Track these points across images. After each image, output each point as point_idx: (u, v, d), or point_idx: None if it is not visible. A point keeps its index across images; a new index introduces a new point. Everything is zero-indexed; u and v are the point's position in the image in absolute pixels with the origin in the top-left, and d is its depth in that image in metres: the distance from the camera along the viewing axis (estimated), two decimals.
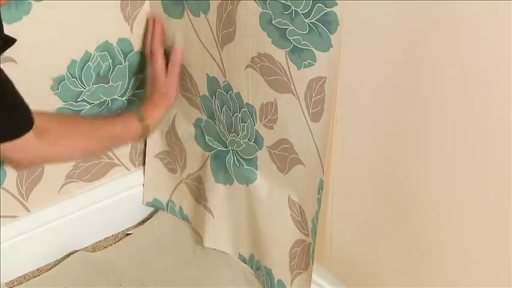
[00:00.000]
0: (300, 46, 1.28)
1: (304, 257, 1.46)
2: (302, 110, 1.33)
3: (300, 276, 1.48)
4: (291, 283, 1.50)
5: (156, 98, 1.51)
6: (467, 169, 1.15)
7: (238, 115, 1.48)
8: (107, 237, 1.73)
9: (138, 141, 1.66)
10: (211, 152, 1.60)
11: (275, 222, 1.50)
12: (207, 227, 1.65)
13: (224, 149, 1.56)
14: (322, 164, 1.34)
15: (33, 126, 1.21)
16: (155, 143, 1.71)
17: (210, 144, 1.59)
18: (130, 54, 1.60)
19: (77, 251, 1.68)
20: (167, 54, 1.54)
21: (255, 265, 1.59)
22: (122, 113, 1.58)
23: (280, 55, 1.33)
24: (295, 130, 1.37)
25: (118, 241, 1.72)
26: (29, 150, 1.24)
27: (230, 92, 1.48)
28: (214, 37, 1.45)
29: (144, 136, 1.51)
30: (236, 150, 1.53)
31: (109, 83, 1.59)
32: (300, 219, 1.45)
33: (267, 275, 1.55)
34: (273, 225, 1.50)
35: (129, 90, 1.63)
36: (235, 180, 1.56)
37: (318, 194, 1.37)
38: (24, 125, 1.21)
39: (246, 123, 1.47)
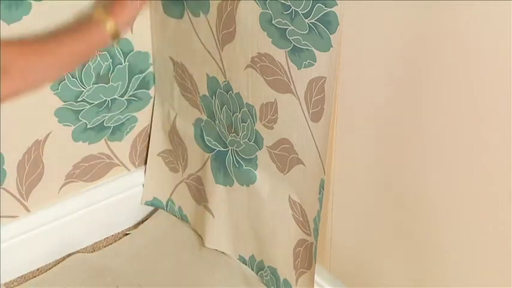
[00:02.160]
0: (300, 46, 1.28)
1: (307, 257, 1.46)
2: (302, 110, 1.34)
3: (304, 275, 1.48)
4: (296, 282, 1.50)
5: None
6: (468, 169, 1.15)
7: (238, 115, 1.48)
8: (106, 237, 1.74)
9: (111, 45, 1.42)
10: (212, 153, 1.60)
11: (277, 223, 1.50)
12: (207, 227, 1.65)
13: (224, 149, 1.56)
14: (323, 164, 1.35)
15: None
16: (158, 142, 1.71)
17: (209, 144, 1.59)
18: (130, 54, 1.60)
19: (77, 251, 1.68)
20: None
21: (257, 266, 1.59)
22: (83, 24, 1.30)
23: (280, 55, 1.33)
24: (295, 130, 1.37)
25: (117, 241, 1.72)
26: None
27: (230, 92, 1.48)
28: (214, 37, 1.45)
29: (115, 39, 1.28)
30: (236, 150, 1.53)
31: (109, 83, 1.59)
32: (301, 219, 1.45)
33: (271, 274, 1.55)
34: (275, 226, 1.50)
35: (129, 90, 1.63)
36: (235, 182, 1.56)
37: (319, 193, 1.37)
38: None
39: (246, 123, 1.47)
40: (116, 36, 1.28)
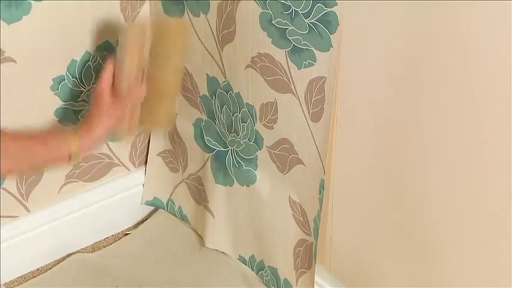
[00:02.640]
0: (300, 46, 1.28)
1: (307, 257, 1.46)
2: (302, 110, 1.33)
3: (304, 276, 1.48)
4: (297, 282, 1.50)
5: (92, 119, 1.38)
6: (468, 169, 1.15)
7: (238, 115, 1.48)
8: (106, 237, 1.74)
9: (68, 165, 1.44)
10: (212, 153, 1.60)
11: (277, 223, 1.50)
12: (207, 227, 1.65)
13: (224, 149, 1.56)
14: (323, 164, 1.35)
15: None
16: (159, 142, 1.71)
17: (209, 144, 1.59)
18: None
19: (77, 251, 1.68)
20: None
21: (257, 266, 1.59)
22: (54, 133, 1.44)
23: (280, 55, 1.33)
24: (295, 130, 1.37)
25: (117, 241, 1.72)
26: None
27: (230, 92, 1.48)
28: (214, 37, 1.45)
29: (70, 162, 1.37)
30: (236, 150, 1.53)
31: None
32: (301, 219, 1.45)
33: (272, 274, 1.55)
34: (275, 226, 1.50)
35: None
36: (235, 182, 1.56)
37: (320, 193, 1.37)
38: None
39: (246, 123, 1.47)
40: (72, 159, 1.36)
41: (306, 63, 1.28)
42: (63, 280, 1.61)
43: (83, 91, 1.56)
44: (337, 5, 1.19)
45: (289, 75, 1.33)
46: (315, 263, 1.44)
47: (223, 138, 1.55)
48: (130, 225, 1.77)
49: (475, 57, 1.06)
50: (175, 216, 1.75)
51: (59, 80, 1.52)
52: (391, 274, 1.37)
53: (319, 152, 1.35)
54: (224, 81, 1.48)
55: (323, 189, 1.36)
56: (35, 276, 1.63)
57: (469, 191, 1.16)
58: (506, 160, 1.08)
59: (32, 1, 1.40)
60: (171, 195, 1.74)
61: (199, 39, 1.49)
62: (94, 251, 1.70)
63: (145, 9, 1.58)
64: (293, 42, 1.29)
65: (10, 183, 1.55)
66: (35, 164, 1.36)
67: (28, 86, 1.49)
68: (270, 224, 1.52)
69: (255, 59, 1.38)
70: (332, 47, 1.23)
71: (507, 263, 1.14)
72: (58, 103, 1.54)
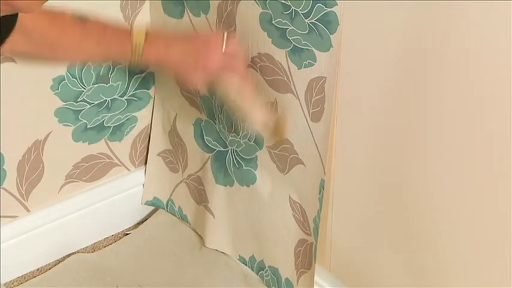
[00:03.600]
0: (300, 46, 1.28)
1: (307, 257, 1.46)
2: (302, 110, 1.33)
3: (304, 275, 1.48)
4: (297, 282, 1.50)
5: (189, 51, 1.26)
6: (468, 170, 1.15)
7: (238, 115, 1.48)
8: (106, 237, 1.74)
9: (128, 62, 1.38)
10: (212, 153, 1.59)
11: (278, 223, 1.50)
12: (207, 227, 1.65)
13: (224, 149, 1.56)
14: (323, 164, 1.35)
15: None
16: (158, 142, 1.71)
17: (209, 144, 1.59)
18: None
19: (77, 251, 1.68)
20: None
21: (257, 266, 1.59)
22: (123, 29, 1.32)
23: (280, 55, 1.33)
24: (296, 130, 1.37)
25: (117, 241, 1.72)
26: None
27: None
28: None
29: (131, 61, 1.30)
30: (236, 151, 1.53)
31: (109, 83, 1.59)
32: (302, 219, 1.45)
33: (273, 274, 1.55)
34: (276, 226, 1.50)
35: (129, 90, 1.63)
36: (235, 182, 1.56)
37: (319, 193, 1.37)
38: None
39: (246, 123, 1.47)
40: (134, 54, 1.28)
41: (306, 63, 1.28)
42: (63, 280, 1.61)
43: (83, 91, 1.56)
44: (337, 5, 1.19)
45: (289, 75, 1.33)
46: (315, 263, 1.44)
47: (223, 138, 1.55)
48: (130, 225, 1.77)
49: (475, 57, 1.06)
50: (175, 216, 1.75)
51: (59, 80, 1.52)
52: (391, 274, 1.37)
53: (319, 152, 1.35)
54: None
55: (323, 189, 1.36)
56: (35, 276, 1.63)
57: (469, 191, 1.16)
58: (506, 160, 1.08)
59: None
60: (171, 195, 1.74)
61: None
62: (94, 251, 1.70)
63: (146, 9, 1.58)
64: (293, 42, 1.29)
65: (10, 183, 1.56)
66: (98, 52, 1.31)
67: (28, 86, 1.49)
68: (271, 224, 1.52)
69: (255, 59, 1.38)
70: (332, 47, 1.23)
71: (507, 263, 1.14)
72: (58, 103, 1.54)
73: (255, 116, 1.30)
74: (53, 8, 1.26)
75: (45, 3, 0.95)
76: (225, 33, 1.28)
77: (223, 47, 1.27)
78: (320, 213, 1.38)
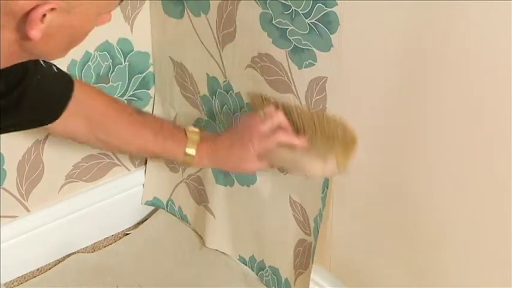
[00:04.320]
0: (301, 46, 1.28)
1: (305, 257, 1.46)
2: None
3: (301, 276, 1.48)
4: (295, 282, 1.50)
5: (234, 143, 1.32)
6: (468, 170, 1.15)
7: (238, 115, 1.48)
8: (106, 237, 1.74)
9: (179, 163, 1.44)
10: None
11: (278, 223, 1.50)
12: (207, 227, 1.65)
13: None
14: None
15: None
16: None
17: None
18: (131, 54, 1.60)
19: (77, 251, 1.68)
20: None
21: (257, 266, 1.59)
22: (179, 130, 1.37)
23: (280, 55, 1.33)
24: None
25: (117, 241, 1.72)
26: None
27: (230, 92, 1.48)
28: (214, 37, 1.45)
29: (183, 162, 1.36)
30: None
31: (109, 83, 1.59)
32: (301, 219, 1.45)
33: (273, 274, 1.55)
34: (276, 226, 1.50)
35: (129, 90, 1.63)
36: (235, 182, 1.56)
37: (323, 192, 1.37)
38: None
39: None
40: (186, 164, 1.35)
41: (307, 63, 1.28)
42: (63, 280, 1.61)
43: None
44: (337, 5, 1.19)
45: (289, 75, 1.33)
46: (312, 263, 1.44)
47: None
48: (130, 225, 1.77)
49: (475, 57, 1.06)
50: (175, 216, 1.75)
51: None
52: (391, 274, 1.37)
53: None
54: (224, 81, 1.48)
55: (327, 188, 1.36)
56: (35, 276, 1.63)
57: (469, 191, 1.16)
58: (506, 161, 1.08)
59: None
60: (171, 195, 1.74)
61: (200, 39, 1.49)
62: (94, 251, 1.70)
63: (146, 9, 1.58)
64: (293, 42, 1.29)
65: (10, 183, 1.56)
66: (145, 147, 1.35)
67: None
68: (271, 224, 1.52)
69: (256, 59, 1.38)
70: (333, 47, 1.23)
71: (507, 263, 1.14)
72: None
73: (315, 170, 1.29)
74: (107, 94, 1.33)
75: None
76: (262, 112, 1.32)
77: (263, 125, 1.30)
78: (322, 212, 1.38)
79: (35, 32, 0.90)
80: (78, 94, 1.26)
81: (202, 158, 1.34)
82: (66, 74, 1.26)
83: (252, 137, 1.29)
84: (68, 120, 1.26)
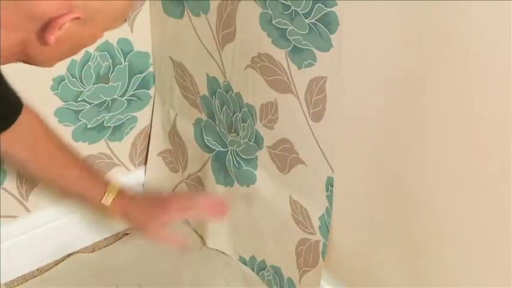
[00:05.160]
0: (300, 46, 1.28)
1: (311, 255, 1.45)
2: (302, 109, 1.33)
3: (308, 274, 1.48)
4: (300, 281, 1.50)
5: (149, 202, 1.38)
6: (468, 170, 1.15)
7: (238, 115, 1.48)
8: (106, 237, 1.73)
9: (92, 207, 1.45)
10: (212, 154, 1.59)
11: (278, 222, 1.50)
12: (208, 227, 1.65)
13: (224, 149, 1.56)
14: (328, 162, 1.34)
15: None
16: (158, 142, 1.71)
17: (209, 145, 1.59)
18: (130, 54, 1.60)
19: (77, 251, 1.68)
20: None
21: (257, 266, 1.59)
22: (102, 175, 1.42)
23: (280, 55, 1.33)
24: (296, 130, 1.37)
25: (117, 241, 1.72)
26: None
27: (230, 92, 1.48)
28: (214, 37, 1.45)
29: (97, 207, 1.39)
30: (236, 151, 1.53)
31: (109, 83, 1.59)
32: (301, 219, 1.44)
33: (275, 273, 1.55)
34: (276, 225, 1.50)
35: (129, 90, 1.63)
36: (235, 182, 1.56)
37: (327, 191, 1.37)
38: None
39: (246, 123, 1.47)
40: (101, 209, 1.37)
41: (306, 63, 1.28)
42: (63, 280, 1.61)
43: (83, 91, 1.56)
44: (337, 5, 1.19)
45: (289, 75, 1.33)
46: (324, 260, 1.43)
47: (223, 138, 1.55)
48: (130, 225, 1.76)
49: (476, 56, 1.06)
50: None
51: (59, 80, 1.52)
52: (391, 274, 1.37)
53: (322, 151, 1.34)
54: (224, 81, 1.48)
55: (331, 186, 1.36)
56: (35, 276, 1.63)
57: (469, 191, 1.16)
58: (506, 161, 1.08)
59: None
60: None
61: (199, 39, 1.49)
62: (94, 251, 1.70)
63: (146, 9, 1.58)
64: (293, 42, 1.29)
65: (10, 183, 1.56)
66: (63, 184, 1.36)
67: (28, 86, 1.48)
68: (271, 224, 1.52)
69: (255, 59, 1.38)
70: (332, 47, 1.23)
71: (507, 263, 1.14)
72: (58, 103, 1.54)
73: None
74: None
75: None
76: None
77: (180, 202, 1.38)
78: (330, 210, 1.38)
79: (53, 38, 0.91)
80: (24, 114, 1.26)
81: (114, 211, 1.37)
82: (16, 92, 1.25)
83: (167, 208, 1.36)
84: (6, 136, 1.24)
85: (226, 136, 1.54)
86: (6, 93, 1.20)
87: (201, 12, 1.45)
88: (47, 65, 1.03)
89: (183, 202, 1.39)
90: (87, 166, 1.39)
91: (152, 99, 1.68)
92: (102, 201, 1.35)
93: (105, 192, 1.35)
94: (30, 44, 0.94)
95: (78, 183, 1.36)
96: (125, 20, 1.05)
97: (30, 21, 0.91)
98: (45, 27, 0.91)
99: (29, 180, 1.58)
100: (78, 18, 0.91)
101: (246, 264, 1.62)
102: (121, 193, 1.37)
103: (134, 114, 1.67)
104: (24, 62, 1.02)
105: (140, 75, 1.63)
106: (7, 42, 0.93)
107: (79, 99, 1.56)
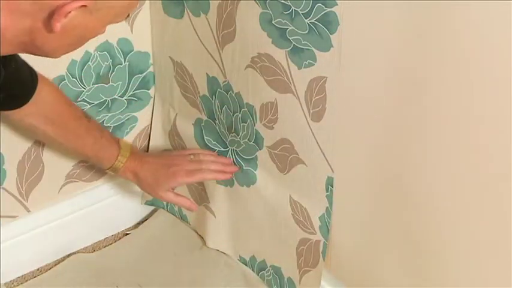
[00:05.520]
0: (300, 46, 1.28)
1: (312, 255, 1.45)
2: (302, 109, 1.33)
3: (308, 274, 1.48)
4: (300, 281, 1.50)
5: (158, 170, 1.50)
6: (468, 169, 1.15)
7: (238, 115, 1.48)
8: (106, 237, 1.74)
9: (106, 169, 1.53)
10: None
11: (278, 222, 1.50)
12: (208, 227, 1.65)
13: (224, 149, 1.56)
14: (328, 162, 1.34)
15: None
16: (158, 142, 1.71)
17: (209, 145, 1.59)
18: (130, 54, 1.60)
19: (77, 251, 1.68)
20: None
21: (258, 266, 1.59)
22: (114, 141, 1.51)
23: (280, 55, 1.33)
24: (296, 130, 1.37)
25: (117, 241, 1.72)
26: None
27: (230, 92, 1.48)
28: (214, 37, 1.45)
29: (110, 169, 1.50)
30: (236, 151, 1.53)
31: (109, 83, 1.59)
32: (301, 219, 1.44)
33: (275, 273, 1.55)
34: (276, 225, 1.50)
35: (129, 90, 1.63)
36: (235, 182, 1.56)
37: (328, 191, 1.37)
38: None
39: (246, 123, 1.47)
40: (113, 170, 1.50)
41: (306, 63, 1.28)
42: (63, 280, 1.61)
43: (83, 91, 1.56)
44: (337, 5, 1.19)
45: (289, 75, 1.33)
46: (324, 260, 1.43)
47: (223, 138, 1.55)
48: (130, 225, 1.77)
49: (476, 56, 1.06)
50: (176, 216, 1.74)
51: (59, 80, 1.52)
52: (391, 274, 1.37)
53: (322, 151, 1.34)
54: (224, 81, 1.48)
55: (331, 186, 1.36)
56: (35, 276, 1.63)
57: (470, 191, 1.16)
58: (506, 160, 1.08)
59: None
60: None
61: (199, 39, 1.49)
62: (94, 251, 1.70)
63: (146, 9, 1.58)
64: (293, 42, 1.29)
65: (10, 183, 1.56)
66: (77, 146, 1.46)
67: None
68: (271, 223, 1.52)
69: (255, 59, 1.38)
70: (332, 47, 1.23)
71: (507, 263, 1.14)
72: None
73: None
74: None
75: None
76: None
77: (190, 165, 1.51)
78: (330, 210, 1.38)
79: (59, 25, 0.93)
80: (40, 88, 1.34)
81: (126, 172, 1.50)
82: (31, 67, 1.32)
83: (176, 173, 1.48)
84: (27, 110, 1.33)
85: (226, 136, 1.54)
86: (21, 69, 1.27)
87: (201, 12, 1.45)
88: (53, 55, 1.04)
89: (191, 165, 1.49)
90: (101, 130, 1.49)
91: (152, 99, 1.68)
92: (115, 163, 1.47)
93: (118, 155, 1.47)
94: (37, 33, 0.96)
95: (94, 148, 1.46)
96: (128, 16, 1.06)
97: (38, 8, 0.93)
98: (52, 14, 0.92)
99: (29, 180, 1.58)
100: (84, 6, 0.92)
101: (246, 264, 1.62)
102: (133, 154, 1.49)
103: (134, 114, 1.67)
104: (31, 53, 1.03)
105: (140, 75, 1.63)
106: (15, 28, 0.94)
107: (79, 99, 1.56)
